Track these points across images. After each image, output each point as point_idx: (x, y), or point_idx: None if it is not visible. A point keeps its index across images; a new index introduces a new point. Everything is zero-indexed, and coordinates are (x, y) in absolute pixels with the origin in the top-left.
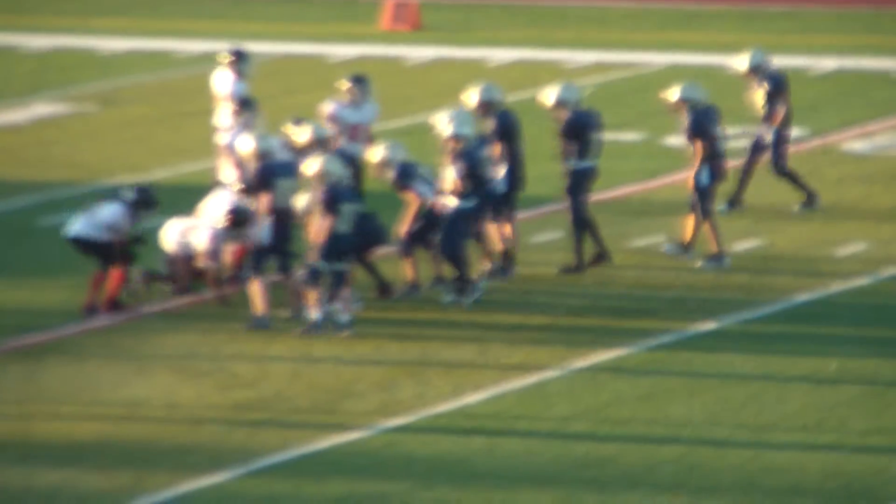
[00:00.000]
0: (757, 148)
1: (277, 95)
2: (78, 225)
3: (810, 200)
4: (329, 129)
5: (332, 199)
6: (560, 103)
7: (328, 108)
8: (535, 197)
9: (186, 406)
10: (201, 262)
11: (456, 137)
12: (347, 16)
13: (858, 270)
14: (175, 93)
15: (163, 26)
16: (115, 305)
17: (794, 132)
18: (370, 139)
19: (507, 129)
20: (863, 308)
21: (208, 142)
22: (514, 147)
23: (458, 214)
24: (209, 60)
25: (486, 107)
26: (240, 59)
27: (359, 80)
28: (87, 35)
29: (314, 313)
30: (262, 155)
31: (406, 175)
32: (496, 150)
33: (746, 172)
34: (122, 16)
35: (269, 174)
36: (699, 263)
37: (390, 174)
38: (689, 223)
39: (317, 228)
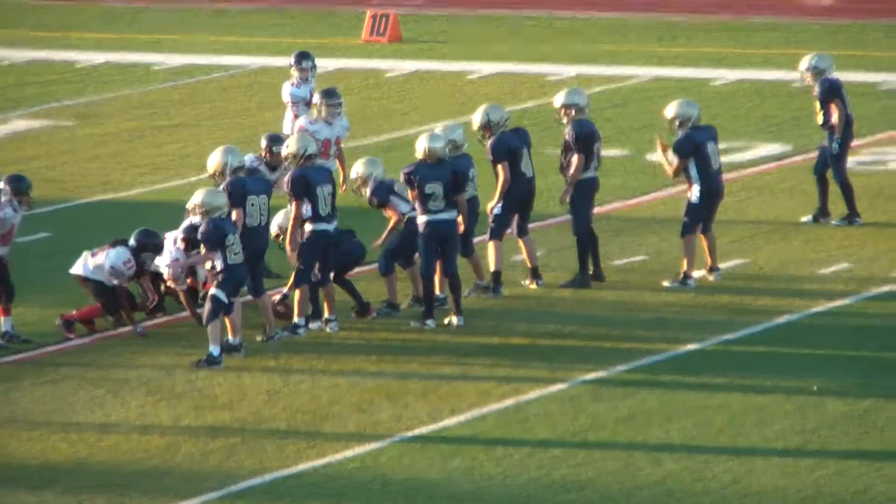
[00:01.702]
0: (822, 156)
1: (255, 109)
2: (82, 263)
3: (823, 213)
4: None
5: (219, 235)
6: (567, 106)
7: (299, 123)
8: None
9: (162, 428)
10: (169, 284)
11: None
12: (327, 28)
13: (841, 290)
14: (154, 107)
15: (141, 40)
16: (69, 325)
17: (777, 147)
18: (341, 155)
19: (511, 149)
20: (845, 329)
21: (187, 157)
22: (516, 167)
23: (427, 231)
24: (188, 74)
25: (486, 129)
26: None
27: (329, 95)
28: (66, 49)
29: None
30: (233, 171)
31: (383, 191)
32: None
33: (821, 183)
34: (101, 29)
35: (239, 190)
36: (665, 283)
37: (366, 191)
38: (684, 246)
39: (208, 265)
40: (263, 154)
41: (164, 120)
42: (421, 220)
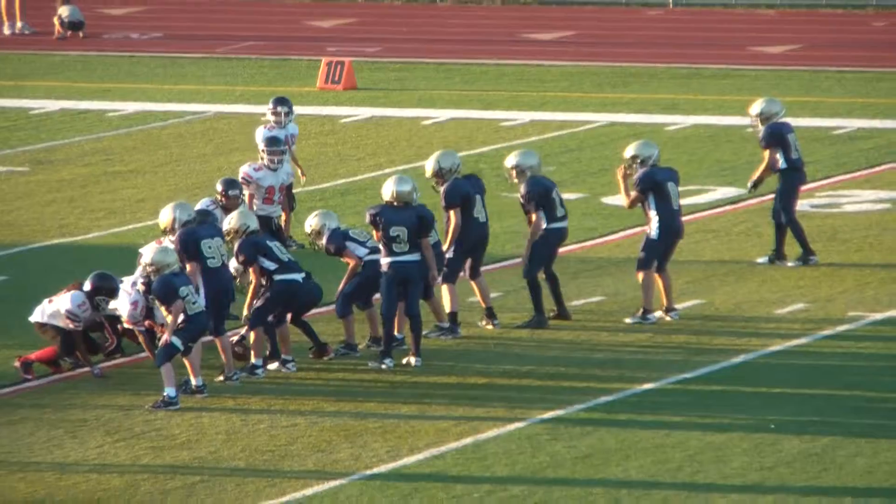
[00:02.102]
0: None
1: (211, 155)
2: (40, 310)
3: (779, 256)
4: (245, 191)
5: (171, 291)
6: (518, 168)
7: (243, 170)
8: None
9: (121, 468)
10: (127, 325)
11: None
12: (282, 76)
13: (797, 330)
14: (108, 153)
15: (95, 87)
16: (28, 366)
17: (732, 192)
18: (285, 202)
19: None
20: (802, 368)
21: (142, 202)
22: (468, 213)
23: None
24: (141, 121)
25: (438, 176)
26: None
27: (271, 142)
28: (19, 97)
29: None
30: (183, 224)
31: (338, 238)
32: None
33: (779, 226)
34: (54, 77)
35: (190, 240)
36: (627, 319)
37: (322, 242)
38: (640, 281)
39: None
40: (219, 198)
41: (119, 166)
42: (384, 261)
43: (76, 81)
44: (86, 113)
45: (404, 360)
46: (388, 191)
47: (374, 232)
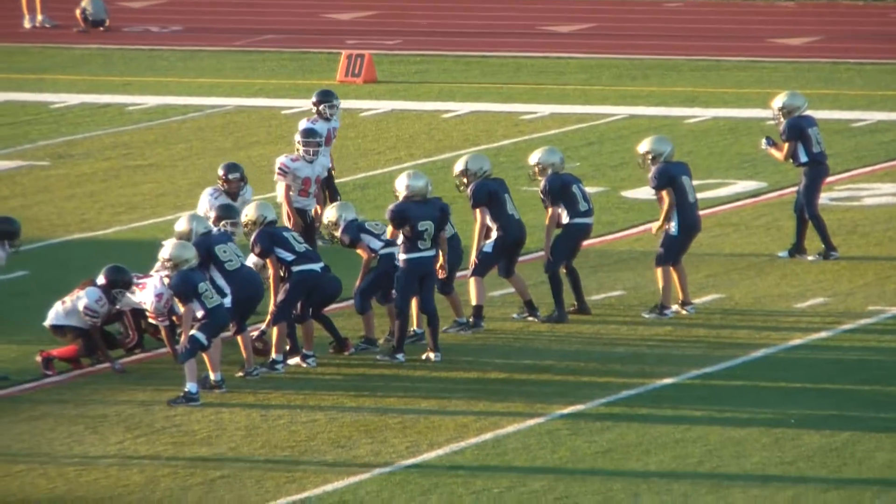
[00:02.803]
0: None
1: (231, 149)
2: (54, 312)
3: (799, 249)
4: (281, 182)
5: (189, 286)
6: (541, 165)
7: (279, 160)
8: None
9: (141, 463)
10: (152, 320)
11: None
12: (302, 69)
13: (817, 324)
14: (128, 147)
15: (115, 81)
16: (48, 362)
17: (752, 184)
18: (320, 194)
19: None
20: (822, 362)
21: (162, 196)
22: (502, 211)
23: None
24: (161, 114)
25: (465, 174)
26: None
27: (307, 134)
28: (39, 91)
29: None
30: (195, 233)
31: (353, 230)
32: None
33: (800, 219)
34: (74, 71)
35: (203, 249)
36: (644, 314)
37: (338, 233)
38: (658, 277)
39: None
40: (221, 184)
41: (139, 160)
42: (405, 257)
43: (96, 75)
44: (106, 107)
45: (423, 356)
46: (404, 186)
47: (389, 228)
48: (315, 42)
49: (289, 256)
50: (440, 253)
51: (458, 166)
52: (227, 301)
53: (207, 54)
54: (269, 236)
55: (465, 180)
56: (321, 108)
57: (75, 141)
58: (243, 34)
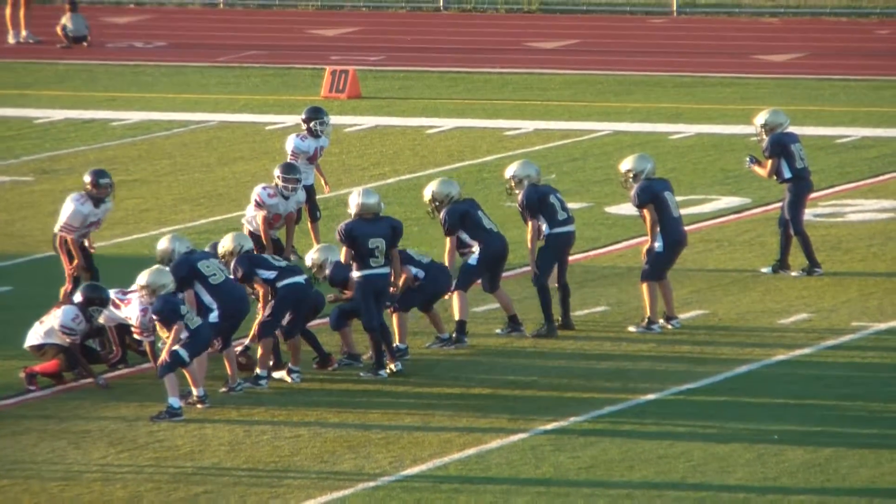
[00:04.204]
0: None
1: (215, 164)
2: (32, 333)
3: (783, 265)
4: (259, 213)
5: (173, 308)
6: (516, 178)
7: (256, 192)
8: None
9: (124, 479)
10: (137, 335)
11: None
12: (286, 84)
13: (801, 340)
14: (112, 163)
15: (99, 96)
16: (32, 378)
17: (735, 201)
18: (291, 225)
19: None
20: (805, 378)
21: (146, 211)
22: (479, 227)
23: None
24: (145, 130)
25: (435, 201)
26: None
27: (287, 170)
28: (24, 105)
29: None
30: (176, 253)
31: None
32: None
33: (784, 235)
34: (59, 86)
35: (185, 267)
36: (631, 328)
37: (324, 274)
38: (644, 292)
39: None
40: (88, 188)
41: (123, 175)
42: (357, 274)
43: (80, 91)
44: (90, 122)
45: (386, 371)
46: (356, 203)
47: (343, 248)
48: (299, 58)
49: (271, 274)
50: (395, 270)
51: (426, 193)
52: (214, 316)
53: (191, 70)
54: (247, 260)
55: (435, 205)
56: (312, 124)
57: (59, 156)
58: (227, 50)
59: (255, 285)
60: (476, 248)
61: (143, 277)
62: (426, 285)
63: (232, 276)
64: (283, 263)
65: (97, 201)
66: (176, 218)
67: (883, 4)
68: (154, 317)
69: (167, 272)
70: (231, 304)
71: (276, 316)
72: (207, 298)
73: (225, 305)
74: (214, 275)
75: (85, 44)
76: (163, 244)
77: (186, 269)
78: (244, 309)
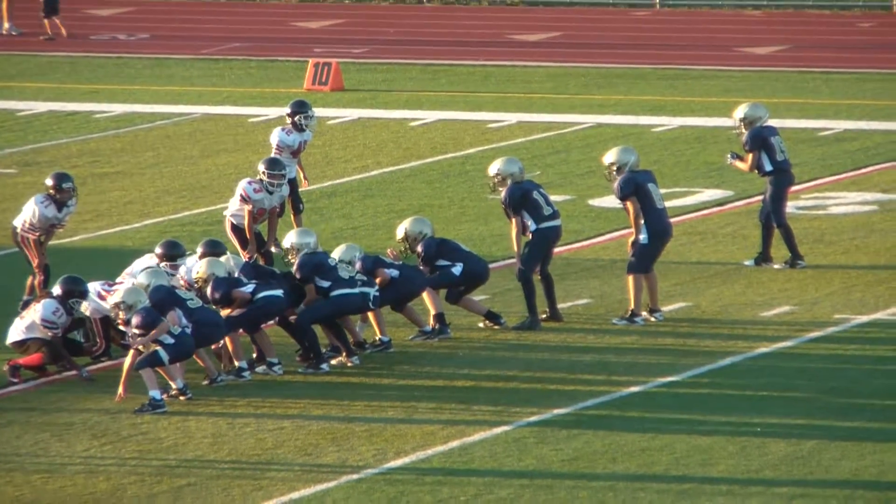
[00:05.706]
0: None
1: (198, 157)
2: (14, 328)
3: (765, 258)
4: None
5: (152, 317)
6: (500, 175)
7: (241, 186)
8: None
9: (107, 471)
10: (122, 327)
11: None
12: (269, 77)
13: (784, 333)
14: (95, 155)
15: (82, 89)
16: (15, 370)
17: (718, 193)
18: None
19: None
20: (788, 370)
21: (129, 204)
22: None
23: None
24: (129, 122)
25: (408, 241)
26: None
27: (272, 165)
28: (7, 97)
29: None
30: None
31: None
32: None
33: (766, 228)
34: (42, 79)
35: (165, 292)
36: (615, 320)
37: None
38: (630, 284)
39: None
40: (51, 192)
41: (106, 167)
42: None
43: (64, 83)
44: (73, 115)
45: (349, 363)
46: (290, 244)
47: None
48: (282, 50)
49: (248, 288)
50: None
51: (399, 233)
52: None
53: (175, 62)
54: (224, 282)
55: (408, 244)
56: (297, 118)
57: (42, 148)
58: (211, 42)
59: (234, 296)
60: (459, 265)
61: (118, 295)
62: (400, 283)
63: (211, 301)
64: (255, 273)
65: (60, 205)
66: (159, 210)
67: None
68: (137, 332)
69: (140, 290)
70: (204, 327)
71: (244, 319)
72: (183, 321)
73: (198, 328)
74: (192, 299)
75: (56, 17)
76: (141, 279)
77: (166, 295)
78: (219, 333)
